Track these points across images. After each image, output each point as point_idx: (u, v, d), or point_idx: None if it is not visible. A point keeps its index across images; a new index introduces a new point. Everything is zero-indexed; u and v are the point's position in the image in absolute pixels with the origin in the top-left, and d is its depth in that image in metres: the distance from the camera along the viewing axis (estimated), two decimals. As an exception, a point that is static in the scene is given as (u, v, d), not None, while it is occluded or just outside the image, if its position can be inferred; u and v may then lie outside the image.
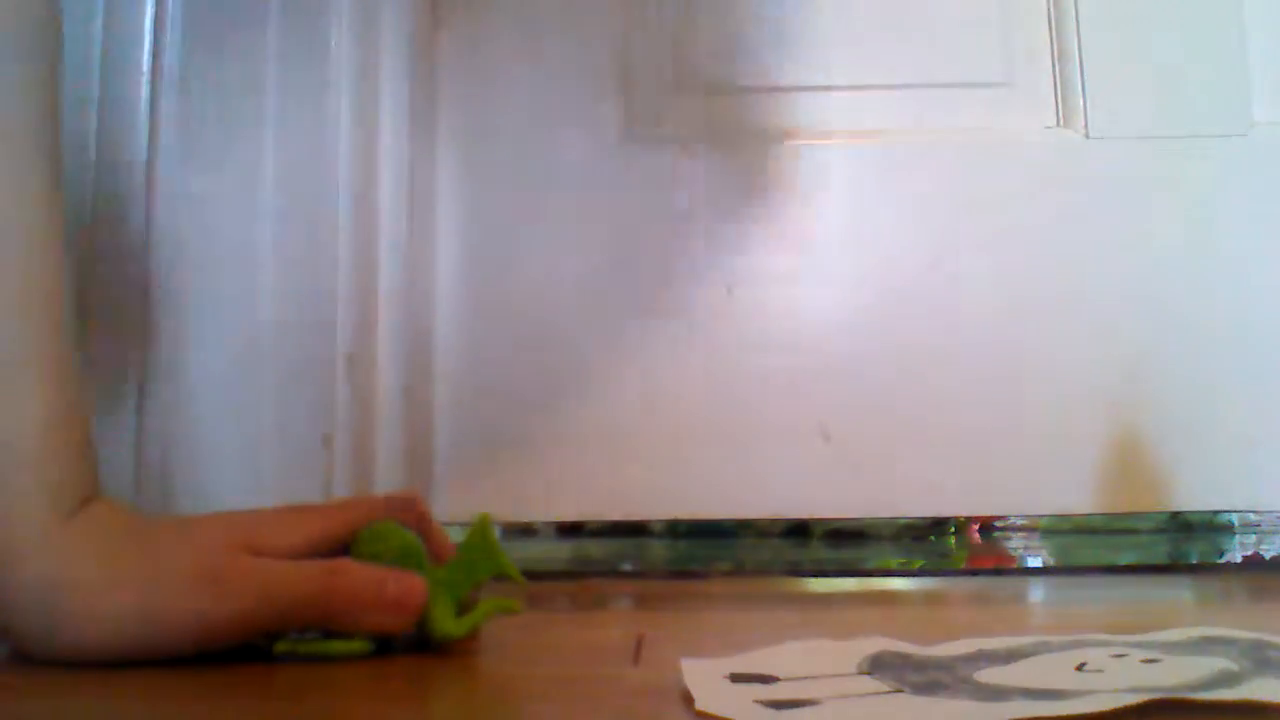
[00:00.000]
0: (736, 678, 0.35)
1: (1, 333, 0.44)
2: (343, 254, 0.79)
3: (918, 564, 0.85)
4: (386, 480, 0.80)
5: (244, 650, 0.44)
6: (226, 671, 0.42)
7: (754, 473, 0.88)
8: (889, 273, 0.89)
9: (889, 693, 0.33)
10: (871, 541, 1.00)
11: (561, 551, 0.89)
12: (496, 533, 0.49)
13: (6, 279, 0.44)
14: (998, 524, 1.09)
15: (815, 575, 0.80)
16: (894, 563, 0.85)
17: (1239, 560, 0.81)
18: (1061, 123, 0.92)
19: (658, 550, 0.92)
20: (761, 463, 0.88)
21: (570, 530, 1.00)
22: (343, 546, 0.48)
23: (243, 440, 0.75)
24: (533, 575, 0.81)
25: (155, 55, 0.77)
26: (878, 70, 0.93)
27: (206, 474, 0.74)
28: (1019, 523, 1.08)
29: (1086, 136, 0.91)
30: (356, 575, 0.46)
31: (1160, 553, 0.85)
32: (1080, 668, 0.36)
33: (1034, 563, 0.86)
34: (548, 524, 0.91)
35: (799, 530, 1.05)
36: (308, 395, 0.76)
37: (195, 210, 0.77)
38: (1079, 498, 0.88)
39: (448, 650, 0.46)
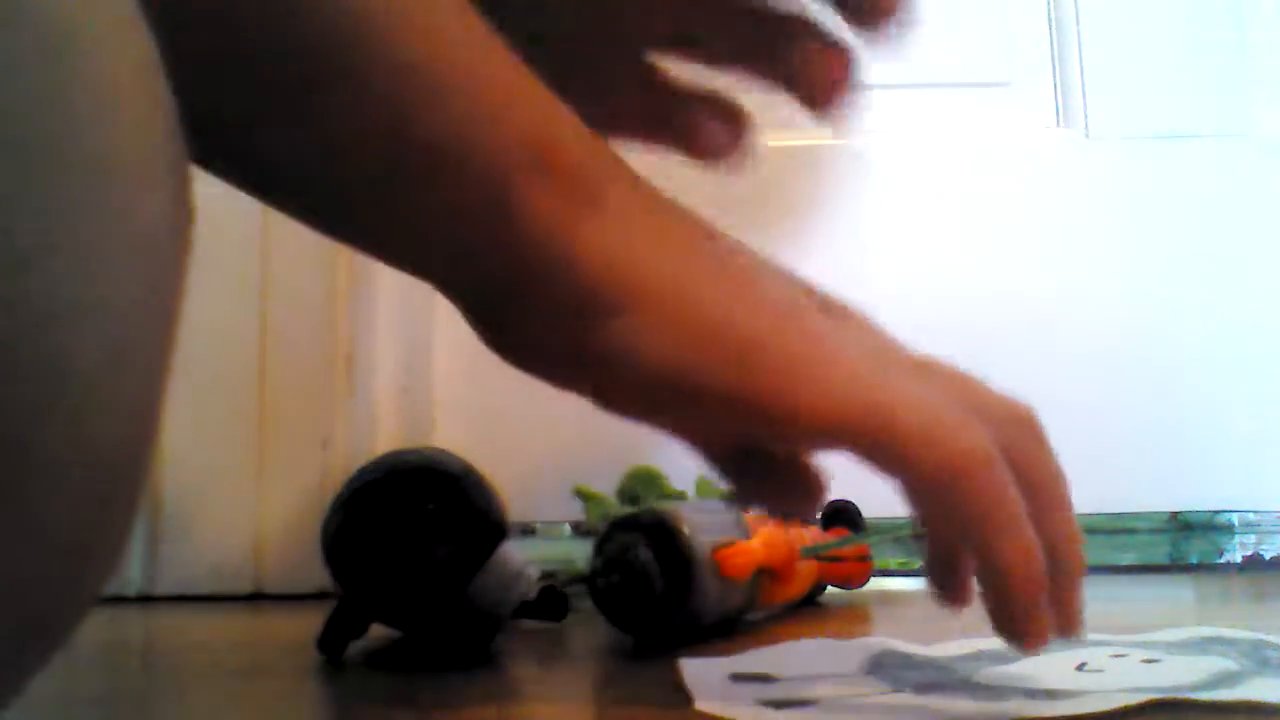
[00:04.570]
0: (736, 677, 0.35)
1: None
2: (343, 253, 0.78)
3: (918, 564, 0.85)
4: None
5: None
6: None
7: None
8: (886, 272, 0.89)
9: (889, 693, 0.33)
10: (871, 541, 1.00)
11: (561, 551, 0.89)
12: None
13: None
14: (998, 524, 1.08)
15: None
16: (894, 563, 0.85)
17: (1239, 560, 0.81)
18: (1061, 123, 0.92)
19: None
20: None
21: (571, 530, 1.00)
22: None
23: (242, 440, 0.75)
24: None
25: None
26: (877, 71, 0.93)
27: (205, 474, 0.74)
28: (1019, 523, 1.07)
29: (1086, 136, 0.91)
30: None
31: (1160, 553, 0.85)
32: (1080, 668, 0.36)
33: (1034, 563, 0.86)
34: (548, 524, 0.91)
35: (799, 530, 1.05)
36: (307, 396, 0.76)
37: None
38: (1079, 498, 0.87)
39: (443, 650, 0.46)
